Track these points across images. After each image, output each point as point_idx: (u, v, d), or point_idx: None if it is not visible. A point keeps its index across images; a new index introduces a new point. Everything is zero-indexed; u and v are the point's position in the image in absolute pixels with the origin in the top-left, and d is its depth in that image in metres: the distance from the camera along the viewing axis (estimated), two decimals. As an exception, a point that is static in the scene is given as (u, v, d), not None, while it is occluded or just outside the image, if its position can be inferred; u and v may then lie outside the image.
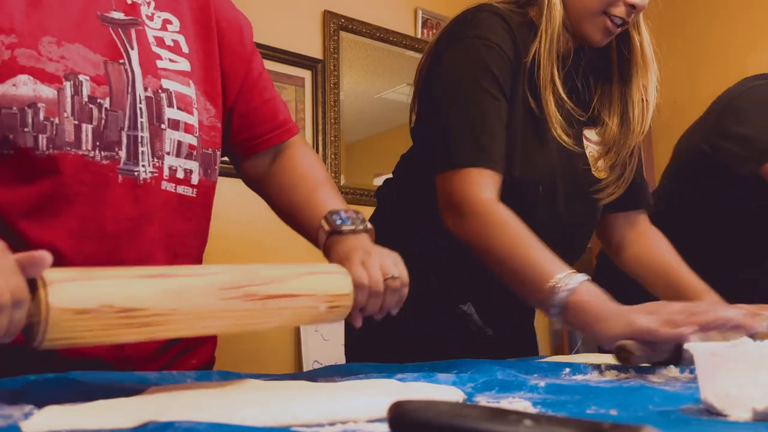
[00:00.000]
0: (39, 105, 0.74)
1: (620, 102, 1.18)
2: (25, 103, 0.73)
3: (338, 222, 0.86)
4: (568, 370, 0.84)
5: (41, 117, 0.74)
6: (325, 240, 0.87)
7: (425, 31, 2.91)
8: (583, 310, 0.88)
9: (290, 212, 0.96)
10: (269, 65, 2.45)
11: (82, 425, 0.48)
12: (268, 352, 2.23)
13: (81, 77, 0.77)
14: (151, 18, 0.88)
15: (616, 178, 1.17)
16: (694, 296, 1.14)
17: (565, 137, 1.09)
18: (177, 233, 0.86)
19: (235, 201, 1.97)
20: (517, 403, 0.59)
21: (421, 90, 1.17)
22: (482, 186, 1.00)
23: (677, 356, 0.85)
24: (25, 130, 0.74)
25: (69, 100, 0.76)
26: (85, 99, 0.77)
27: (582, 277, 0.90)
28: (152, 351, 0.84)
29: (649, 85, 1.16)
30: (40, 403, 0.55)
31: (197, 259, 0.92)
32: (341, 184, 2.62)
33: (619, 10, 1.07)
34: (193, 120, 0.87)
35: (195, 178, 0.87)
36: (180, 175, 0.85)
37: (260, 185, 1.02)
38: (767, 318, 0.88)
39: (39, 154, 0.74)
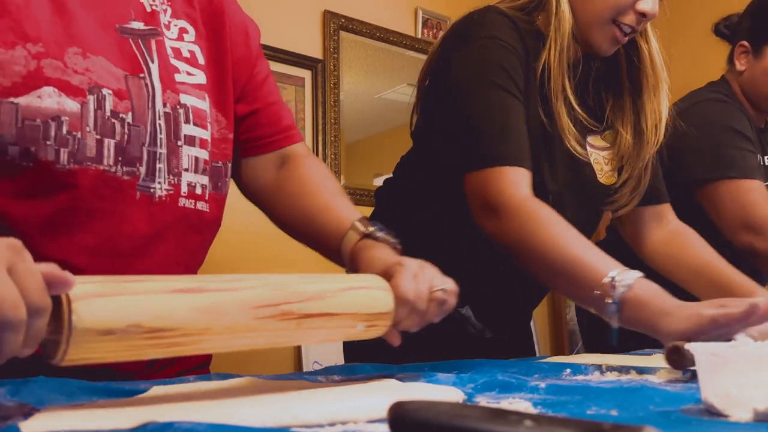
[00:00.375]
0: (63, 118, 0.72)
1: (632, 112, 1.16)
2: (49, 116, 0.72)
3: (372, 228, 0.84)
4: (568, 370, 0.84)
5: (64, 131, 0.73)
6: (356, 242, 0.84)
7: (425, 31, 2.91)
8: (644, 305, 0.83)
9: (305, 218, 0.93)
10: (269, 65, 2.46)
11: (81, 426, 0.48)
12: (268, 353, 2.23)
13: (104, 91, 0.76)
14: (168, 27, 0.87)
15: (630, 191, 1.16)
16: (745, 293, 1.08)
17: (579, 149, 1.07)
18: (189, 248, 0.85)
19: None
20: (518, 403, 0.58)
21: (427, 93, 1.15)
22: (517, 183, 0.96)
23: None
24: (48, 143, 0.72)
25: (92, 114, 0.74)
26: (108, 113, 0.76)
27: (638, 274, 0.86)
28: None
29: (661, 94, 1.15)
30: (40, 404, 0.55)
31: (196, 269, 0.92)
32: (341, 184, 2.62)
33: (629, 19, 1.06)
34: (206, 135, 0.86)
35: (207, 193, 0.86)
36: (198, 191, 0.84)
37: (265, 194, 0.99)
38: None
39: (59, 168, 0.73)
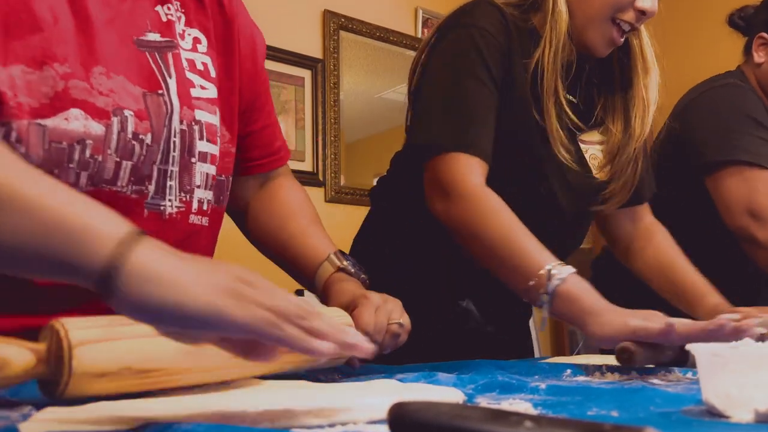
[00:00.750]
0: (87, 142, 0.72)
1: (622, 109, 1.16)
2: (74, 139, 0.71)
3: (347, 262, 0.92)
4: (569, 371, 0.83)
5: (87, 154, 0.72)
6: (331, 275, 0.91)
7: (425, 30, 2.91)
8: (575, 300, 0.88)
9: (281, 242, 0.97)
10: (269, 65, 2.45)
11: (81, 427, 0.48)
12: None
13: (126, 112, 0.75)
14: (182, 36, 0.85)
15: (620, 187, 1.16)
16: (696, 295, 1.13)
17: (564, 153, 1.07)
18: None
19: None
20: (518, 404, 0.58)
21: (415, 86, 1.15)
22: (472, 171, 0.98)
23: (683, 358, 0.85)
24: (71, 166, 0.71)
25: (115, 137, 0.73)
26: (129, 135, 0.75)
27: (571, 269, 0.90)
28: None
29: (650, 85, 1.15)
30: (39, 404, 0.54)
31: None
32: (341, 184, 2.62)
33: (629, 16, 1.06)
34: (216, 150, 0.85)
35: (210, 208, 0.86)
36: (205, 207, 0.84)
37: (243, 212, 1.00)
38: (763, 323, 0.86)
39: (78, 192, 0.73)
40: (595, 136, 1.18)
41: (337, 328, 0.50)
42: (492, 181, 1.02)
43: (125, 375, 0.56)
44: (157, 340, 0.55)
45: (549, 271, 0.89)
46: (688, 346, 0.57)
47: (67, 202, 0.50)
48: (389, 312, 0.82)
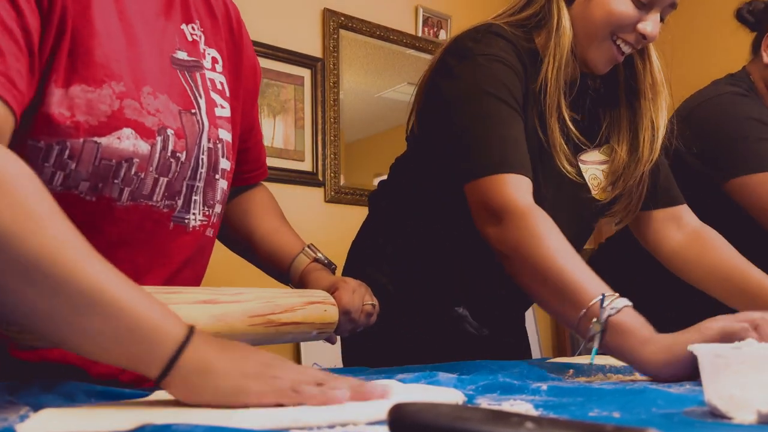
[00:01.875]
0: (134, 160, 0.74)
1: (629, 129, 1.15)
2: (124, 158, 0.73)
3: (319, 254, 1.01)
4: (571, 371, 0.83)
5: (132, 172, 0.75)
6: (307, 265, 1.00)
7: (426, 29, 2.91)
8: (628, 332, 0.81)
9: (257, 237, 1.04)
10: (268, 64, 2.45)
11: (78, 428, 0.48)
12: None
13: (168, 131, 0.77)
14: (204, 56, 0.88)
15: (624, 207, 1.15)
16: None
17: (568, 167, 1.07)
18: (201, 272, 0.90)
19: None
20: (519, 405, 0.58)
21: (425, 102, 1.14)
22: (520, 190, 0.96)
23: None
24: (115, 181, 0.74)
25: (158, 155, 0.76)
26: (169, 154, 0.78)
27: (626, 301, 0.84)
28: None
29: (659, 109, 1.14)
30: (36, 406, 0.54)
31: None
32: (341, 184, 2.62)
33: (630, 37, 1.06)
34: (229, 167, 0.89)
35: (218, 220, 0.90)
36: (216, 220, 0.88)
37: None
38: None
39: (119, 205, 0.75)
40: (595, 155, 1.17)
41: (353, 383, 0.58)
42: None
43: None
44: (196, 306, 0.71)
45: (602, 301, 0.83)
46: (690, 347, 0.57)
47: (138, 302, 0.57)
48: (363, 294, 0.93)
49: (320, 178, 2.56)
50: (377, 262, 1.19)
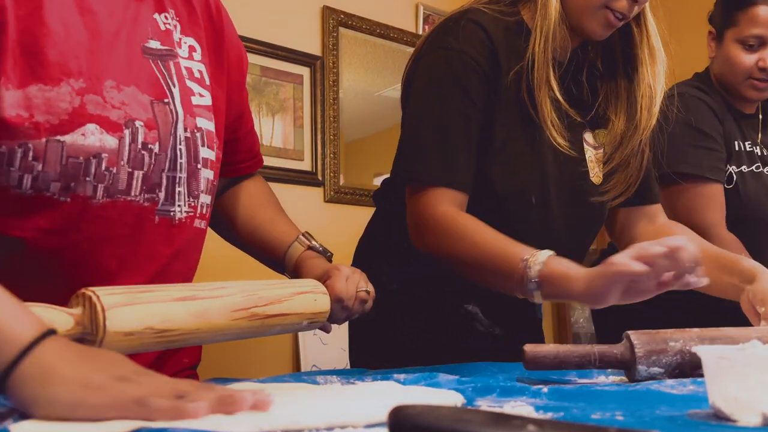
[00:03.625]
0: (103, 155, 0.74)
1: (626, 99, 1.15)
2: (91, 154, 0.73)
3: (314, 242, 1.00)
4: (572, 373, 0.82)
5: (103, 167, 0.75)
6: (301, 253, 0.99)
7: (426, 27, 2.90)
8: (559, 277, 0.89)
9: (252, 227, 1.04)
10: (267, 62, 2.44)
11: (72, 430, 0.47)
12: (266, 356, 2.22)
13: (137, 123, 0.77)
14: (179, 44, 0.88)
15: (623, 180, 1.14)
16: (751, 275, 1.07)
17: (560, 140, 1.06)
18: (193, 264, 0.89)
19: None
20: (520, 407, 0.57)
21: (403, 93, 1.16)
22: (442, 202, 1.02)
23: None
24: (87, 179, 0.74)
25: (127, 148, 0.76)
26: (140, 146, 0.77)
27: (548, 252, 0.92)
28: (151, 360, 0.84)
29: (657, 74, 1.13)
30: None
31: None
32: (340, 183, 2.61)
33: (621, 5, 1.05)
34: (213, 156, 0.89)
35: (208, 212, 0.90)
36: (205, 211, 0.88)
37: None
38: None
39: (95, 203, 0.75)
40: (592, 138, 1.16)
41: (221, 395, 0.52)
42: (485, 194, 1.05)
43: (147, 334, 0.66)
44: (173, 304, 0.69)
45: (527, 260, 0.91)
46: (695, 349, 0.56)
47: None
48: (357, 281, 0.91)
49: (319, 177, 2.55)
50: (385, 261, 1.19)
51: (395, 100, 2.77)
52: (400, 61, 2.81)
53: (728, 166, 1.48)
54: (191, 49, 0.89)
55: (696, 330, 0.80)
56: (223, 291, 0.75)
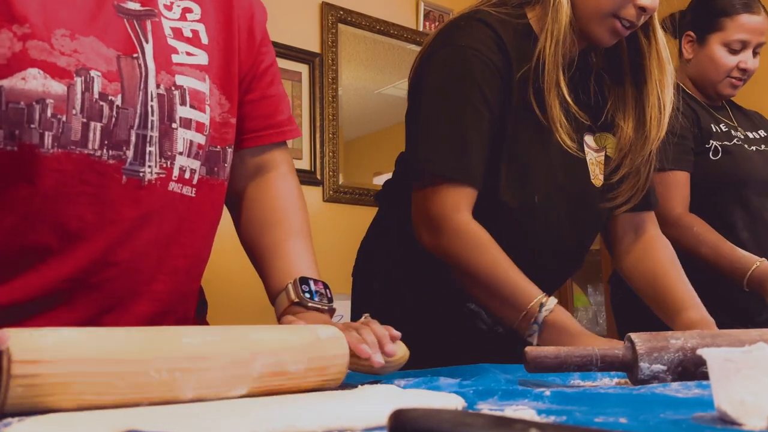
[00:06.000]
0: (47, 101, 0.72)
1: (635, 106, 1.16)
2: (33, 99, 0.72)
3: (306, 295, 0.87)
4: (575, 376, 0.82)
5: (48, 114, 0.73)
6: (286, 308, 0.87)
7: (427, 23, 2.89)
8: (561, 328, 0.97)
9: (257, 254, 0.96)
10: (267, 60, 2.44)
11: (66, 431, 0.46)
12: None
13: (93, 73, 0.75)
14: (169, 8, 0.86)
15: (631, 187, 1.15)
16: (678, 308, 1.11)
17: (569, 141, 1.07)
18: (174, 234, 0.84)
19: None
20: (522, 411, 0.57)
21: (412, 89, 1.16)
22: (460, 205, 1.03)
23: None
24: (32, 126, 0.72)
25: (79, 96, 0.74)
26: (96, 96, 0.75)
27: (555, 300, 0.99)
28: None
29: (666, 85, 1.14)
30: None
31: (197, 260, 0.90)
32: (340, 183, 2.60)
33: (629, 13, 1.06)
34: (204, 118, 0.85)
35: (196, 178, 0.85)
36: (187, 175, 0.84)
37: (234, 204, 0.99)
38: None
39: (44, 152, 0.73)
40: (592, 142, 1.17)
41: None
42: (490, 191, 1.05)
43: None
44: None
45: (538, 302, 0.98)
46: (700, 351, 0.55)
47: None
48: (373, 331, 0.78)
49: (318, 176, 2.55)
50: (387, 260, 1.19)
51: (396, 98, 2.72)
52: (400, 58, 2.80)
53: (711, 141, 1.64)
54: (186, 10, 0.88)
55: (696, 330, 0.80)
56: (204, 364, 0.59)
